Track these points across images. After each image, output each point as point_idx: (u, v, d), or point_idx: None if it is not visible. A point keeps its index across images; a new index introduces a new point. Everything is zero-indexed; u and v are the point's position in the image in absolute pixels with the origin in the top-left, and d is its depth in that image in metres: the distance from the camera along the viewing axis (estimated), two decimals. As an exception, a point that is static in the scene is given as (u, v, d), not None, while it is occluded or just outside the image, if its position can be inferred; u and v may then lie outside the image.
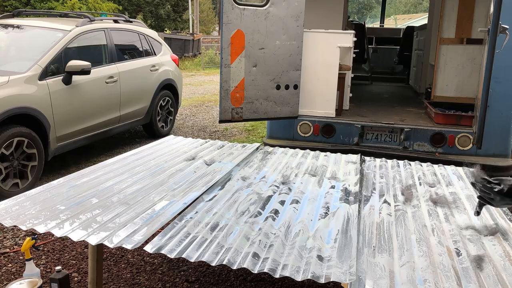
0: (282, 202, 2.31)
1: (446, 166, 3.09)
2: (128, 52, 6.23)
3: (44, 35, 5.16)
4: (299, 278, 1.57)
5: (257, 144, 3.55)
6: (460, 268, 1.68)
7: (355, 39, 4.78)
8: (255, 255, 1.71)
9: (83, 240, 1.85)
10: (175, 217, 2.09)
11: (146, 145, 3.47)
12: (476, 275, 1.64)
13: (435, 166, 3.10)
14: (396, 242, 1.88)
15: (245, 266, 1.63)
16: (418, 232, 1.98)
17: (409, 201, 2.39)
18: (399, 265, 1.68)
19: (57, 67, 4.81)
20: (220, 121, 3.97)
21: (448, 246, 1.86)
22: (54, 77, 4.74)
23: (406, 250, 1.80)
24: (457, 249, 1.84)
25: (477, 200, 2.23)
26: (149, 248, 1.75)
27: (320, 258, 1.71)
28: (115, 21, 6.33)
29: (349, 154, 3.34)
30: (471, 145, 4.16)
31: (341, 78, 4.61)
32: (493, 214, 2.24)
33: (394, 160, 3.22)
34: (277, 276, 1.58)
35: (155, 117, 6.65)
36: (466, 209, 2.31)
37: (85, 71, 4.91)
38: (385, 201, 2.36)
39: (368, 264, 1.68)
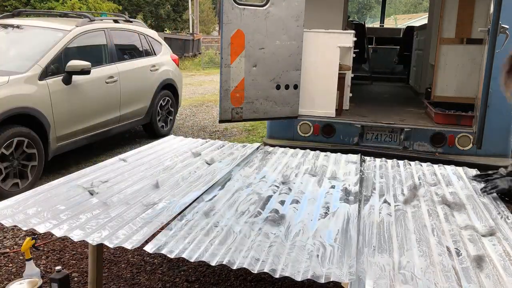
0: (282, 202, 2.31)
1: (446, 166, 3.09)
2: (128, 52, 6.23)
3: (44, 35, 5.15)
4: (299, 278, 1.57)
5: (257, 144, 3.55)
6: (460, 268, 1.68)
7: (355, 39, 4.78)
8: (255, 255, 1.71)
9: (83, 240, 1.85)
10: (175, 217, 2.09)
11: (146, 145, 3.47)
12: (476, 275, 1.64)
13: (435, 166, 3.10)
14: (396, 242, 1.88)
15: (245, 266, 1.63)
16: (418, 232, 1.98)
17: (412, 201, 2.39)
18: (399, 265, 1.68)
19: (57, 67, 4.81)
20: (220, 121, 3.97)
21: (448, 246, 1.86)
22: (54, 77, 4.74)
23: (406, 250, 1.80)
24: (457, 249, 1.84)
25: (477, 200, 2.24)
26: (149, 248, 1.75)
27: (320, 258, 1.71)
28: (115, 21, 6.33)
29: (349, 154, 3.34)
30: (471, 145, 4.16)
31: (341, 78, 4.60)
32: (493, 214, 2.24)
33: (394, 160, 3.22)
34: (277, 276, 1.58)
35: (155, 117, 6.65)
36: (466, 209, 2.31)
37: (85, 71, 4.91)
38: (385, 201, 2.36)
39: (368, 264, 1.68)
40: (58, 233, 1.90)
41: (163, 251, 1.74)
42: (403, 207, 2.29)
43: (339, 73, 4.52)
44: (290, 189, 2.53)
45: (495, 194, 2.55)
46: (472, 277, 1.62)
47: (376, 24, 22.51)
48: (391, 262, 1.70)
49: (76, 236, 1.87)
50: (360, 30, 7.55)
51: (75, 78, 4.94)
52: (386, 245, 1.85)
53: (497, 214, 2.25)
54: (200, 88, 12.82)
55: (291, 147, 3.63)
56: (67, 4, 17.33)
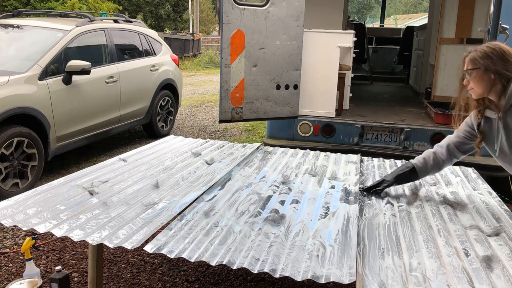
0: (282, 202, 2.31)
1: None
2: (128, 52, 6.24)
3: (44, 35, 5.16)
4: (299, 278, 1.57)
5: (257, 144, 3.55)
6: (471, 269, 1.68)
7: (355, 39, 4.78)
8: (255, 255, 1.71)
9: (83, 240, 1.85)
10: (175, 217, 2.09)
11: (146, 145, 3.47)
12: (488, 276, 1.63)
13: None
14: (404, 244, 1.87)
15: (245, 266, 1.63)
16: (425, 233, 1.98)
17: (415, 201, 2.39)
18: (410, 267, 1.67)
19: (57, 67, 4.81)
20: (220, 121, 3.97)
21: (456, 246, 1.86)
22: (54, 77, 4.74)
23: (416, 252, 1.80)
24: (465, 249, 1.84)
25: (477, 200, 2.24)
26: (149, 248, 1.75)
27: (320, 258, 1.71)
28: (115, 21, 6.33)
29: (349, 154, 3.34)
30: (471, 145, 4.15)
31: (341, 78, 4.60)
32: (495, 214, 2.24)
33: (392, 159, 3.22)
34: (277, 276, 1.58)
35: (155, 117, 6.65)
36: (468, 208, 2.31)
37: (85, 71, 4.91)
38: (388, 202, 2.36)
39: (379, 266, 1.68)
40: (58, 233, 1.90)
41: (163, 251, 1.74)
42: (407, 208, 2.28)
43: (339, 73, 4.52)
44: (290, 189, 2.53)
45: (494, 194, 2.55)
46: (484, 278, 1.62)
47: (376, 24, 22.51)
48: (402, 264, 1.70)
49: (76, 236, 1.87)
50: (360, 30, 7.55)
51: (75, 78, 4.94)
52: (395, 246, 1.84)
53: (499, 213, 2.25)
54: (200, 88, 12.81)
55: (291, 147, 3.63)
56: (67, 4, 17.33)
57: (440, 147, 2.38)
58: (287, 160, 3.17)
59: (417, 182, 2.72)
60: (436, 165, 2.40)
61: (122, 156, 3.12)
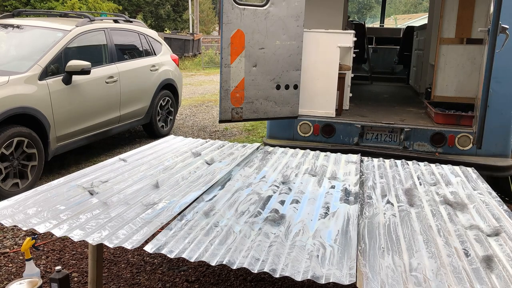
0: (282, 202, 2.31)
1: (443, 166, 3.09)
2: (128, 52, 6.23)
3: (44, 35, 5.16)
4: (299, 278, 1.57)
5: (257, 144, 3.56)
6: (470, 269, 1.67)
7: (355, 39, 4.78)
8: (255, 255, 1.71)
9: (83, 240, 1.85)
10: (175, 217, 2.09)
11: (146, 145, 3.47)
12: (488, 276, 1.63)
13: (433, 165, 3.10)
14: (404, 244, 1.87)
15: (245, 266, 1.63)
16: (425, 233, 1.98)
17: (414, 201, 2.39)
18: (410, 267, 1.68)
19: (57, 67, 4.81)
20: (220, 121, 3.97)
21: (456, 246, 1.86)
22: (54, 77, 4.74)
23: (416, 252, 1.80)
24: (465, 249, 1.84)
25: (477, 200, 2.23)
26: (149, 248, 1.75)
27: (320, 258, 1.71)
28: (115, 21, 6.33)
29: (349, 154, 3.34)
30: (471, 145, 4.16)
31: (341, 78, 4.60)
32: (495, 214, 2.24)
33: (392, 159, 3.22)
34: (277, 276, 1.58)
35: (155, 117, 6.65)
36: (468, 208, 2.31)
37: (85, 71, 4.91)
38: (388, 202, 2.36)
39: (379, 266, 1.68)
40: (58, 233, 1.90)
41: (163, 251, 1.74)
42: (407, 208, 2.28)
43: (339, 73, 4.52)
44: (290, 189, 2.53)
45: (494, 194, 2.55)
46: (483, 278, 1.62)
47: (376, 24, 22.53)
48: (402, 264, 1.70)
49: (76, 236, 1.87)
50: (360, 30, 7.55)
51: (75, 78, 4.94)
52: (395, 246, 1.84)
53: (499, 213, 2.25)
54: (200, 88, 12.81)
55: (291, 147, 3.64)
56: (67, 4, 17.32)
57: None
58: (287, 160, 3.17)
59: (417, 182, 2.72)
60: None
61: (122, 156, 3.12)
